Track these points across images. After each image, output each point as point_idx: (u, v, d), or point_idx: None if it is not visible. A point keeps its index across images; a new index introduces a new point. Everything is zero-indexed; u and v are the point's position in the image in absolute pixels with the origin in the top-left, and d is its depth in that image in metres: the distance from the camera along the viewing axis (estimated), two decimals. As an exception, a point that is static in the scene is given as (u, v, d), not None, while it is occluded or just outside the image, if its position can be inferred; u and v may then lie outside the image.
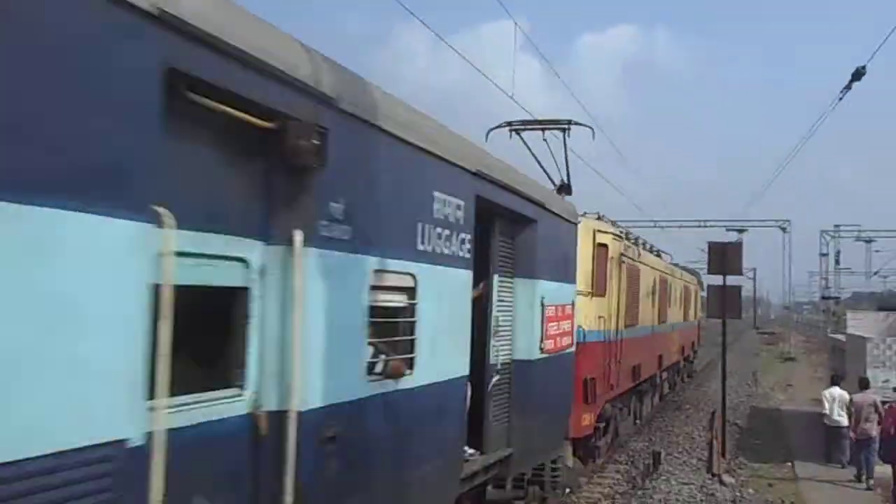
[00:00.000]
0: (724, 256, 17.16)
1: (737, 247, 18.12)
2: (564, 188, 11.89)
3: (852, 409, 15.46)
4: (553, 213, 9.74)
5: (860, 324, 20.25)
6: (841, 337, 23.03)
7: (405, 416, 6.02)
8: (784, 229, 53.66)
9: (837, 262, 53.09)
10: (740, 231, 50.36)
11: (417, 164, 6.17)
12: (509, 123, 12.61)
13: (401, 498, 6.14)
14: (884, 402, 14.46)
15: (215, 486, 4.14)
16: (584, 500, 13.61)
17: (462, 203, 6.87)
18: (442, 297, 6.59)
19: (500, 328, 8.44)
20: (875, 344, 16.11)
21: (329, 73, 4.92)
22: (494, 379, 8.28)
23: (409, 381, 6.01)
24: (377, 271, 5.46)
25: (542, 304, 9.17)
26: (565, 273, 10.40)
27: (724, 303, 17.21)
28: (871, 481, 14.44)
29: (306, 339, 4.50)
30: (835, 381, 17.39)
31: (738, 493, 14.15)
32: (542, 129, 12.64)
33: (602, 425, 15.54)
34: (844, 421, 15.86)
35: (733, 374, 33.44)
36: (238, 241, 4.27)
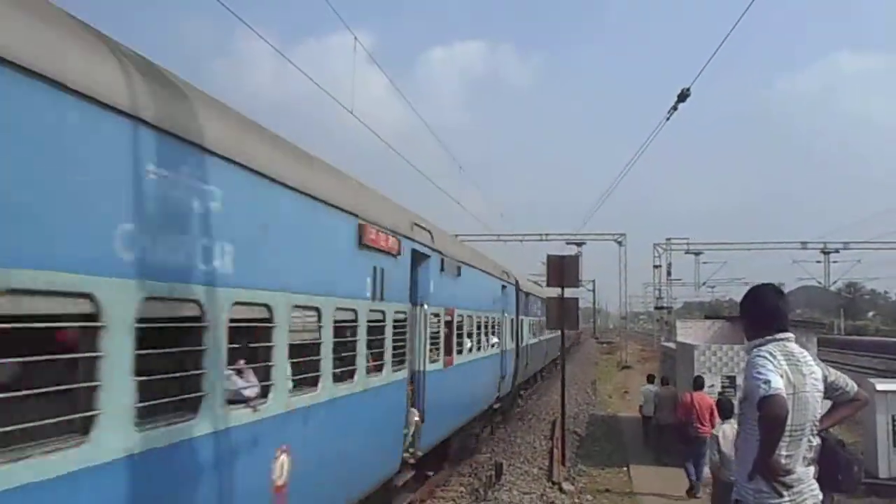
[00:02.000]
0: (563, 269, 17.63)
1: (574, 259, 18.66)
2: None
3: (656, 402, 19.06)
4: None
5: (689, 332, 21.17)
6: (672, 345, 24.12)
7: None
8: (620, 242, 56.03)
9: (669, 273, 55.88)
10: (579, 244, 52.31)
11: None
12: None
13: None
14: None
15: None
16: (429, 514, 13.57)
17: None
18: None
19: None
20: (702, 351, 16.90)
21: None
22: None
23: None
24: None
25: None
26: None
27: (563, 314, 17.66)
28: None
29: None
30: (650, 381, 21.65)
31: (576, 501, 14.49)
32: None
33: None
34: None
35: (573, 383, 34.56)
36: None
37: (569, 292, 17.99)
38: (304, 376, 7.20)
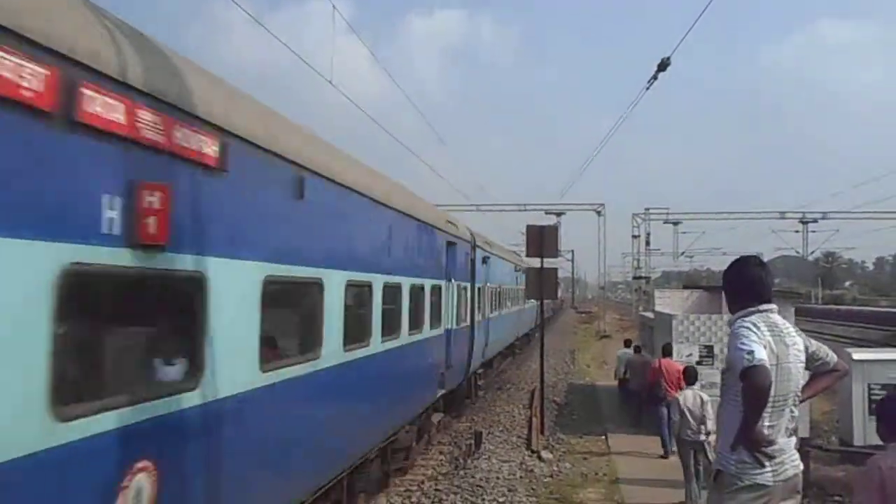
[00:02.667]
0: (542, 239, 17.61)
1: (553, 229, 18.61)
2: None
3: (626, 368, 20.98)
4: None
5: (667, 301, 21.25)
6: (650, 314, 24.24)
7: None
8: (599, 212, 56.20)
9: (648, 243, 56.17)
10: (559, 214, 52.38)
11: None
12: None
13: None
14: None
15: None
16: (408, 483, 13.61)
17: None
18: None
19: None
20: (679, 320, 16.97)
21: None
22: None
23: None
24: None
25: None
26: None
27: (542, 284, 17.68)
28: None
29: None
30: (627, 345, 22.70)
31: (555, 468, 14.58)
32: None
33: None
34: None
35: (552, 353, 34.74)
36: None
37: (548, 262, 17.99)
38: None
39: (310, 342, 7.92)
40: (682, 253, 64.25)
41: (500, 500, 12.26)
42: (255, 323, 6.39)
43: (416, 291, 12.89)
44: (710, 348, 16.61)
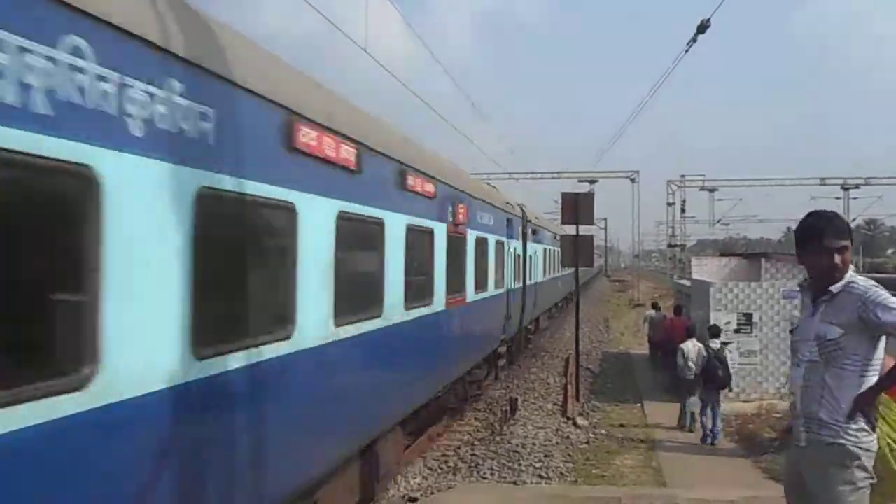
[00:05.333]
0: (577, 207, 17.47)
1: (588, 197, 18.44)
2: None
3: (650, 324, 24.14)
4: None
5: (704, 269, 21.10)
6: (686, 282, 24.07)
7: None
8: (633, 180, 55.62)
9: (683, 210, 55.47)
10: (592, 182, 51.90)
11: None
12: None
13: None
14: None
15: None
16: (444, 448, 13.72)
17: None
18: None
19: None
20: (717, 288, 16.83)
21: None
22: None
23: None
24: None
25: None
26: None
27: (577, 252, 17.58)
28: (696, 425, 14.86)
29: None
30: (653, 307, 25.37)
31: (591, 435, 14.60)
32: None
33: None
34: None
35: (586, 322, 34.68)
36: None
37: (582, 230, 17.88)
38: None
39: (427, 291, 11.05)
40: (718, 220, 63.43)
41: (537, 465, 12.30)
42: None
43: (492, 261, 16.63)
44: (748, 316, 16.47)
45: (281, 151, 5.95)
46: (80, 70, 3.69)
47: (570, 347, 20.41)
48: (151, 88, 4.23)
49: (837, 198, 55.88)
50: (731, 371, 14.49)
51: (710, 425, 14.21)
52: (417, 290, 10.27)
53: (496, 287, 17.19)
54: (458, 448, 13.73)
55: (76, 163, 3.70)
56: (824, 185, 55.23)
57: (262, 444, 5.69)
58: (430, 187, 10.75)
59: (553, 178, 55.81)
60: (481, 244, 15.21)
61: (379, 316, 8.50)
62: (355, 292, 7.78)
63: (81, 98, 3.70)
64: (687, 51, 15.43)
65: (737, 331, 16.30)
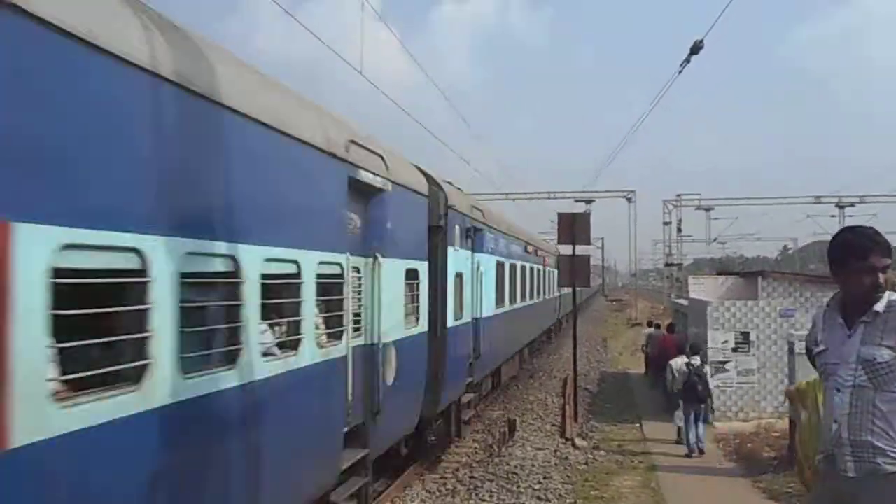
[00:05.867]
0: (573, 226, 17.51)
1: (585, 216, 18.52)
2: None
3: (648, 341, 24.87)
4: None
5: (701, 288, 21.13)
6: (683, 301, 24.10)
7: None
8: (629, 199, 55.75)
9: (679, 230, 55.48)
10: (588, 202, 52.02)
11: None
12: None
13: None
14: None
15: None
16: (443, 470, 13.66)
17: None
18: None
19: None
20: (715, 307, 16.84)
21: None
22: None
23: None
24: None
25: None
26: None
27: (574, 271, 17.60)
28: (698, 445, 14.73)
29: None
30: (649, 325, 28.64)
31: (590, 456, 14.56)
32: None
33: None
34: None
35: (584, 341, 34.63)
36: None
37: (579, 250, 17.90)
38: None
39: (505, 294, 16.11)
40: (715, 239, 63.49)
41: (536, 486, 12.25)
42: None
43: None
44: (745, 335, 16.48)
45: None
46: None
47: (568, 368, 20.37)
48: None
49: (832, 216, 55.99)
50: (711, 387, 15.40)
51: (692, 439, 14.56)
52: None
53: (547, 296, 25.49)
54: (457, 470, 13.68)
55: None
56: (819, 203, 55.35)
57: None
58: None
59: (548, 197, 55.88)
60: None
61: None
62: None
63: None
64: (681, 71, 15.48)
65: (734, 349, 16.31)
